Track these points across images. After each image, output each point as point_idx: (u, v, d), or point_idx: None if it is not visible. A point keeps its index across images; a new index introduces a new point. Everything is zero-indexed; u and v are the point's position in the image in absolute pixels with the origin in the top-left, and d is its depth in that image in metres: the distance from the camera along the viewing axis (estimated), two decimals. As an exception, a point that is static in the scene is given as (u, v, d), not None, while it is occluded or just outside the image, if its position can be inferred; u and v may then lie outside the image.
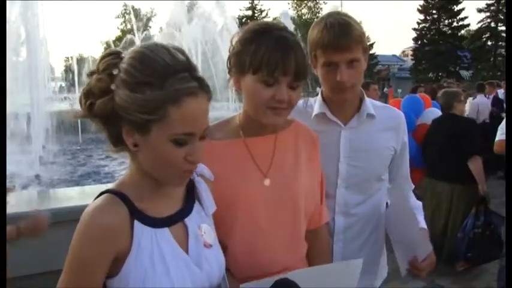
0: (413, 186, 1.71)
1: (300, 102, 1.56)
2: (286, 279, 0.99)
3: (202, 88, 0.91)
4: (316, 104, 1.51)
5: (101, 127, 0.96)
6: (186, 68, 0.90)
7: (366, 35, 1.43)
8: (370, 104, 1.51)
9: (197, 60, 12.95)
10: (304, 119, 1.42)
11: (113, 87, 0.90)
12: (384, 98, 15.43)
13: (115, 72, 0.91)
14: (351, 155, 1.48)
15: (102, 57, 0.95)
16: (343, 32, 1.32)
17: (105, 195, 0.94)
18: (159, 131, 0.88)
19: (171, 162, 0.90)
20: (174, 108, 0.87)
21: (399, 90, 25.75)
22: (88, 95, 0.94)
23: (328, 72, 1.37)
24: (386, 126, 1.52)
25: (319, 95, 1.52)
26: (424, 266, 1.43)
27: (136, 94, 0.87)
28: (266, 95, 1.13)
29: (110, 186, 0.99)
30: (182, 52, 0.93)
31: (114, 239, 0.90)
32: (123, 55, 0.94)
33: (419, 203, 1.68)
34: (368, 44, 1.49)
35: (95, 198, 0.95)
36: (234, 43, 1.20)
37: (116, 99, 0.90)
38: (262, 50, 1.11)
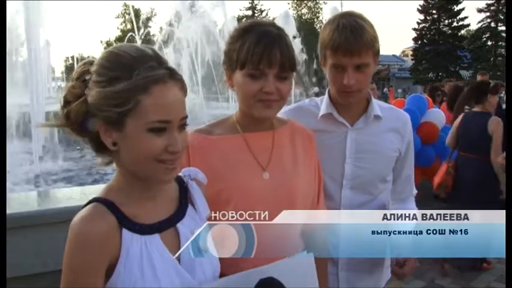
0: (415, 192, 1.68)
1: (306, 101, 1.56)
2: (271, 278, 0.98)
3: (173, 76, 0.91)
4: (323, 104, 1.50)
5: (81, 136, 0.96)
6: (154, 59, 0.90)
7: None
8: (377, 105, 1.51)
9: (197, 61, 12.96)
10: (311, 119, 1.42)
11: (86, 91, 0.92)
12: (384, 98, 15.41)
13: (87, 77, 0.92)
14: (357, 156, 1.47)
15: (77, 68, 0.97)
16: (354, 36, 1.30)
17: (92, 204, 0.92)
18: (134, 122, 0.88)
19: (151, 153, 0.88)
20: (145, 96, 0.87)
21: (399, 90, 25.76)
22: (65, 105, 0.95)
23: (336, 74, 1.36)
24: (392, 128, 1.52)
25: (326, 94, 1.51)
26: (404, 272, 1.46)
27: (106, 89, 0.88)
28: (254, 88, 1.16)
29: (97, 193, 0.97)
30: (151, 48, 0.93)
31: (104, 248, 0.88)
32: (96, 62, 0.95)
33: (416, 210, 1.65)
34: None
35: (82, 207, 0.93)
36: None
37: (88, 100, 0.91)
38: (247, 45, 1.15)
